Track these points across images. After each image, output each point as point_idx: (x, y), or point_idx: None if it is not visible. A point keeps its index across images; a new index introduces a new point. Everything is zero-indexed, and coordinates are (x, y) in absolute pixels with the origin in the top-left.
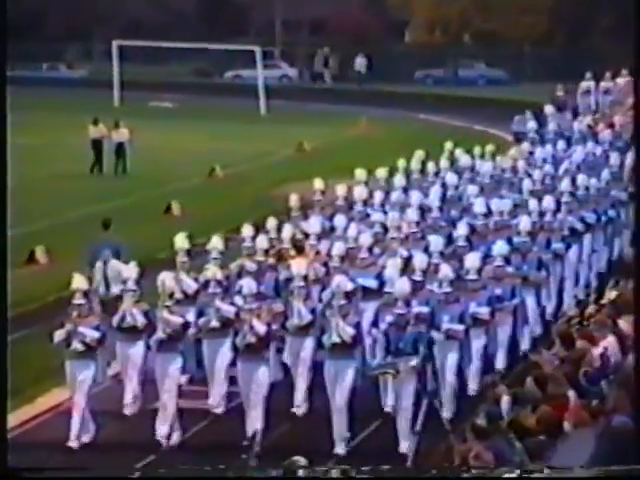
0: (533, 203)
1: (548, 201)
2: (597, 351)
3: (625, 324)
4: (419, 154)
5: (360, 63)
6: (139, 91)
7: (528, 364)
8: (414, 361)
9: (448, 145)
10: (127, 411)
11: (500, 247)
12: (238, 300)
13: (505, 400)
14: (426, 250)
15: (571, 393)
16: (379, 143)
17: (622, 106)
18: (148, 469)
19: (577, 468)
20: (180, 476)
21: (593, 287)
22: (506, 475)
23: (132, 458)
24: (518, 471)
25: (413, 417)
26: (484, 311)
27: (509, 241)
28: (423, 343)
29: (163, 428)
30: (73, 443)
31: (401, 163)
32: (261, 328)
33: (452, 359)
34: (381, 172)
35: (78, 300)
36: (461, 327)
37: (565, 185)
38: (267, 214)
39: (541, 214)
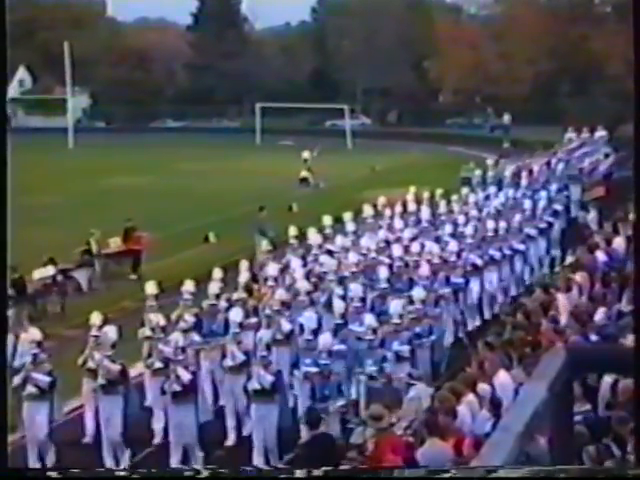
0: (436, 247)
1: (452, 245)
2: (561, 296)
3: (579, 277)
4: (381, 200)
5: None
6: (272, 135)
7: (518, 304)
8: (342, 402)
9: (409, 194)
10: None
11: (410, 295)
12: (183, 341)
13: (508, 320)
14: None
15: (544, 322)
16: (423, 166)
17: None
18: None
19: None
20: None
21: (558, 256)
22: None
23: None
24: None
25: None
26: (405, 348)
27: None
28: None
29: (108, 457)
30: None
31: (366, 209)
32: (186, 377)
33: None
34: (347, 216)
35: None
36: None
37: (469, 230)
38: (353, 210)
39: (445, 254)
